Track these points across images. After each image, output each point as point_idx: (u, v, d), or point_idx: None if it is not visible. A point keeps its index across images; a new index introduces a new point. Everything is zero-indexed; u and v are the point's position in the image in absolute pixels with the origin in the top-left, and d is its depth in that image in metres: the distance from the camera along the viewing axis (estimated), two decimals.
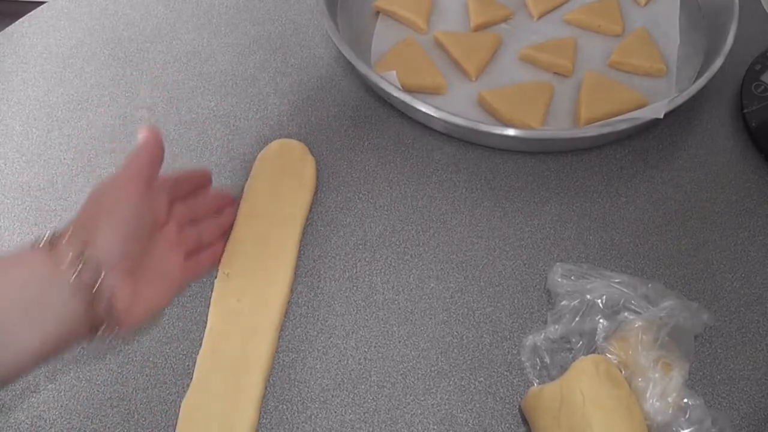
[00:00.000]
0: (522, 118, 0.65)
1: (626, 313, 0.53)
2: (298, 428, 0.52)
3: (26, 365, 0.37)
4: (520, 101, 0.67)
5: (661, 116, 0.61)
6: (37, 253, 0.38)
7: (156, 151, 0.48)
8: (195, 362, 0.54)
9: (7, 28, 0.77)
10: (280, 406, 0.53)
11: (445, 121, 0.63)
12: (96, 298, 0.38)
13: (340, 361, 0.55)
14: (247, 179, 0.63)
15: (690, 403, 0.49)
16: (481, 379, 0.54)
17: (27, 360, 0.37)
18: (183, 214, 0.53)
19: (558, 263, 0.57)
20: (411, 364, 0.55)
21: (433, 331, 0.56)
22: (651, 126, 0.66)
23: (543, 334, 0.54)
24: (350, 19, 0.75)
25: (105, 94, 0.71)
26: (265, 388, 0.53)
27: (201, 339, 0.55)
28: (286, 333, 0.56)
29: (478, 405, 0.53)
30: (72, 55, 0.74)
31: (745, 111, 0.67)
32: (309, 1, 0.78)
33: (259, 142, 0.66)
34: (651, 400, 0.49)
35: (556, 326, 0.54)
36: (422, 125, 0.67)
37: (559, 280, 0.56)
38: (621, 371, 0.50)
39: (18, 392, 0.53)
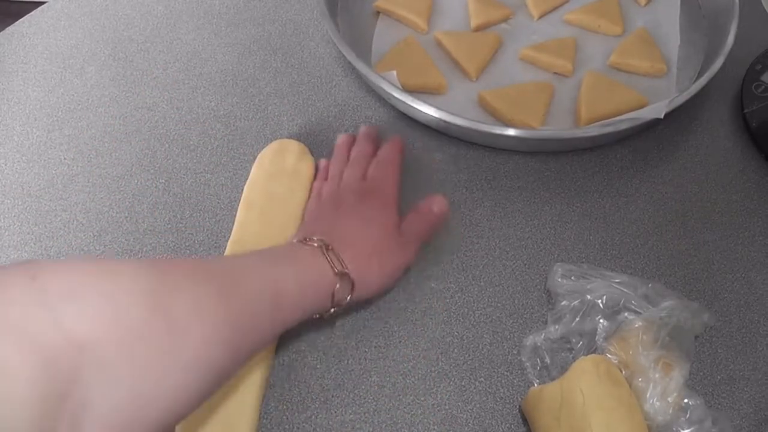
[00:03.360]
0: (522, 118, 0.65)
1: (626, 313, 0.53)
2: (298, 428, 0.52)
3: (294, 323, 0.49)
4: (520, 101, 0.67)
5: (662, 116, 0.61)
6: (308, 249, 0.50)
7: None
8: None
9: (7, 29, 0.77)
10: (280, 406, 0.53)
11: (445, 121, 0.63)
12: (342, 279, 0.50)
13: (340, 361, 0.55)
14: (247, 179, 0.63)
15: (690, 403, 0.49)
16: (481, 379, 0.54)
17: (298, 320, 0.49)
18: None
19: (558, 263, 0.57)
20: (411, 364, 0.55)
21: (433, 331, 0.56)
22: (651, 126, 0.65)
23: (543, 334, 0.54)
24: (350, 19, 0.75)
25: (105, 94, 0.71)
26: (265, 388, 0.53)
27: None
28: (286, 333, 0.56)
29: (478, 405, 0.53)
30: (72, 56, 0.74)
31: (745, 111, 0.67)
32: (309, 1, 0.78)
33: (259, 142, 0.66)
34: (651, 400, 0.49)
35: (557, 326, 0.54)
36: (422, 125, 0.67)
37: (559, 280, 0.56)
38: (621, 371, 0.50)
39: None
